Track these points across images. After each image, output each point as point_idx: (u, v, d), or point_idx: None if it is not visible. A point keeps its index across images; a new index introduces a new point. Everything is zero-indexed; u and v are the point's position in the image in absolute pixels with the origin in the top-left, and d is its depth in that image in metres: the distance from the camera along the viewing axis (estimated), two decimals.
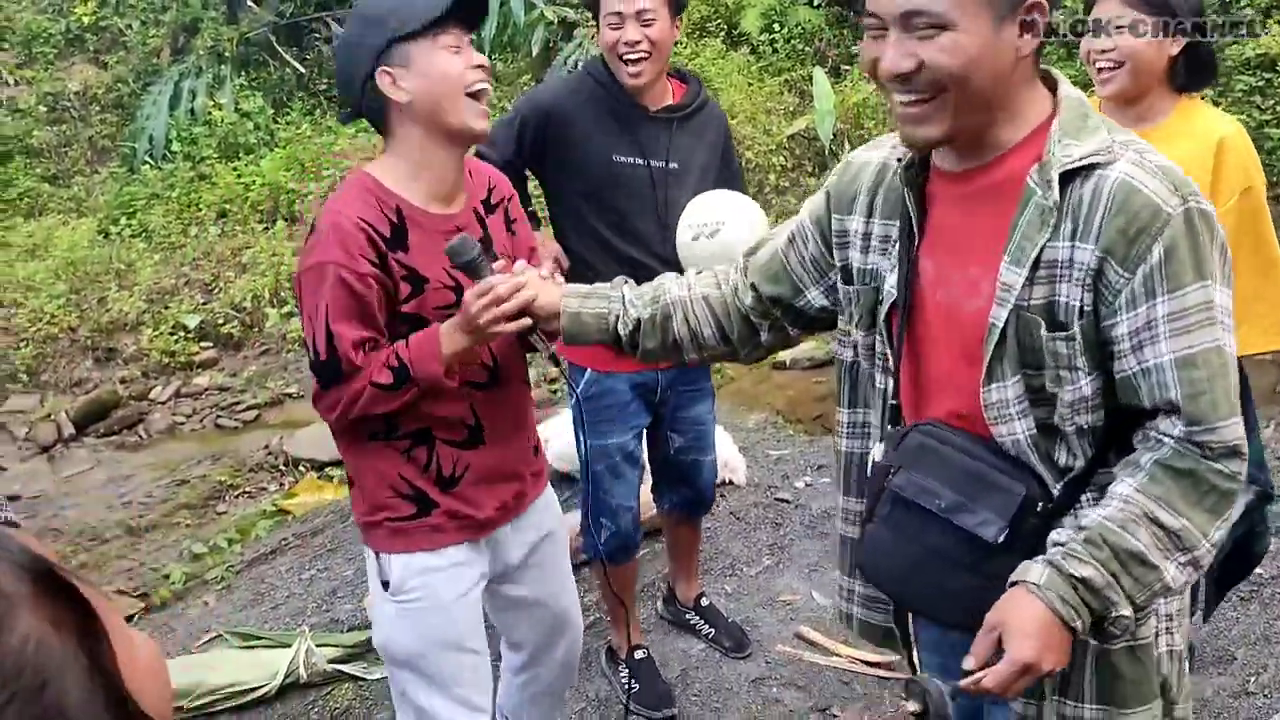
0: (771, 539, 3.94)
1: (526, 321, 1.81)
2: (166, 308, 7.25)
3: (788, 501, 4.19)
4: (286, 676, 3.22)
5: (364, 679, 3.27)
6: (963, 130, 1.37)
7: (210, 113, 9.64)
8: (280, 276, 7.22)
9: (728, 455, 4.31)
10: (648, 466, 3.07)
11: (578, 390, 2.30)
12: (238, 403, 6.47)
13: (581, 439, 2.66)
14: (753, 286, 1.73)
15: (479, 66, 1.88)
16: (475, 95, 1.87)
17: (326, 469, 5.46)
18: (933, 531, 1.42)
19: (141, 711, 0.58)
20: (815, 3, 8.86)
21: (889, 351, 1.53)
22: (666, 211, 2.67)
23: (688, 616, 3.39)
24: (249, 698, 3.18)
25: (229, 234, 8.15)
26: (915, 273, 1.47)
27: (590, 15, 2.80)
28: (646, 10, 2.55)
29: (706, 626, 3.35)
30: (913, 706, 1.37)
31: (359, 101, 1.89)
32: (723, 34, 8.88)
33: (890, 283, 1.50)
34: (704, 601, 3.41)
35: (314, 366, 1.86)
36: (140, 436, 6.24)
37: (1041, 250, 1.34)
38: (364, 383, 1.82)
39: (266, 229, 8.00)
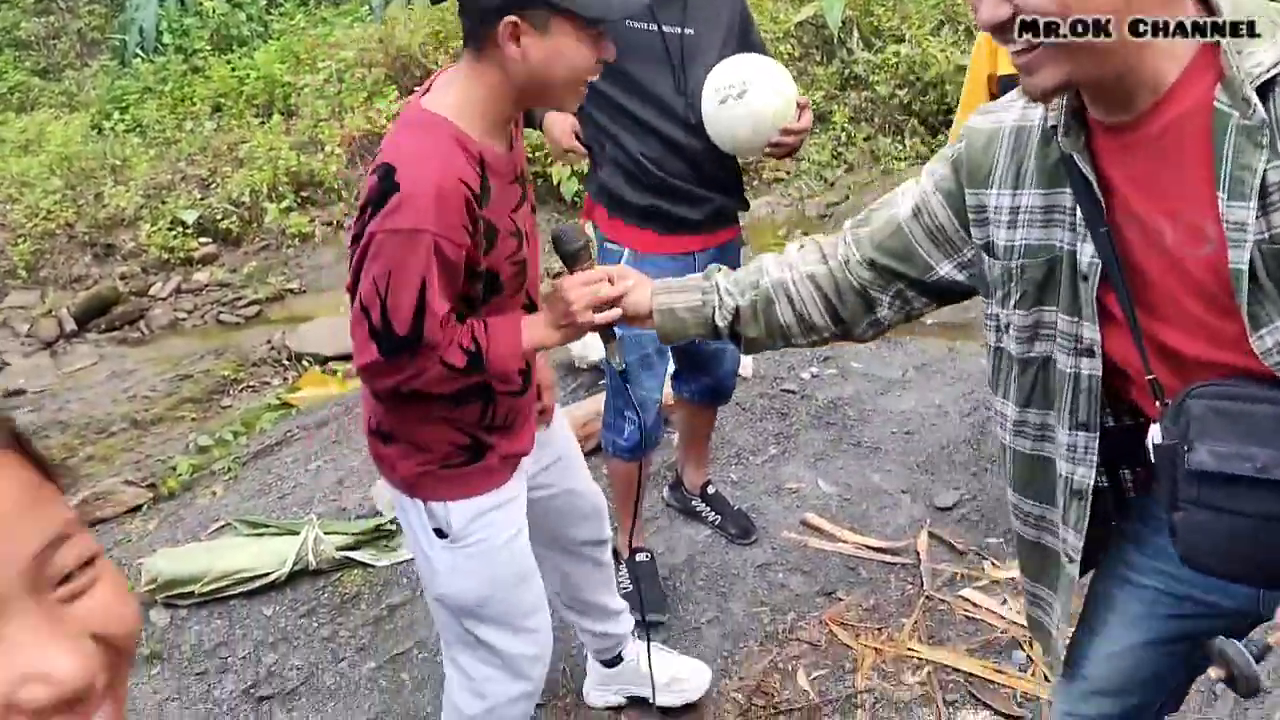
0: (778, 429, 3.93)
1: (618, 313, 1.74)
2: (164, 203, 7.15)
3: (794, 392, 4.17)
4: (295, 563, 3.24)
5: (372, 565, 3.29)
6: (1087, 76, 1.22)
7: (202, 3, 9.40)
8: (277, 171, 7.11)
9: None
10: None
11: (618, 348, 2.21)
12: (239, 298, 6.43)
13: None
14: (869, 261, 1.57)
15: (603, 60, 1.71)
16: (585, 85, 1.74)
17: (330, 363, 5.44)
18: (1255, 497, 1.27)
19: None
20: None
21: (1088, 330, 1.37)
22: (685, 79, 2.57)
23: (694, 503, 3.40)
24: (259, 583, 3.20)
25: (224, 128, 8.00)
26: (1119, 237, 1.31)
27: None
28: None
29: (713, 513, 3.36)
30: (1216, 673, 1.29)
31: (472, 9, 1.65)
32: None
33: (1088, 254, 1.33)
34: (710, 489, 3.41)
35: (379, 336, 1.66)
36: (142, 332, 6.22)
37: (1264, 175, 1.18)
38: (435, 361, 1.69)
39: (263, 123, 7.85)
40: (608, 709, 2.66)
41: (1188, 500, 1.31)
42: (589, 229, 2.75)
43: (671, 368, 3.09)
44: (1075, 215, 1.34)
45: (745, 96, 2.40)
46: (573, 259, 1.79)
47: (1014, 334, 1.44)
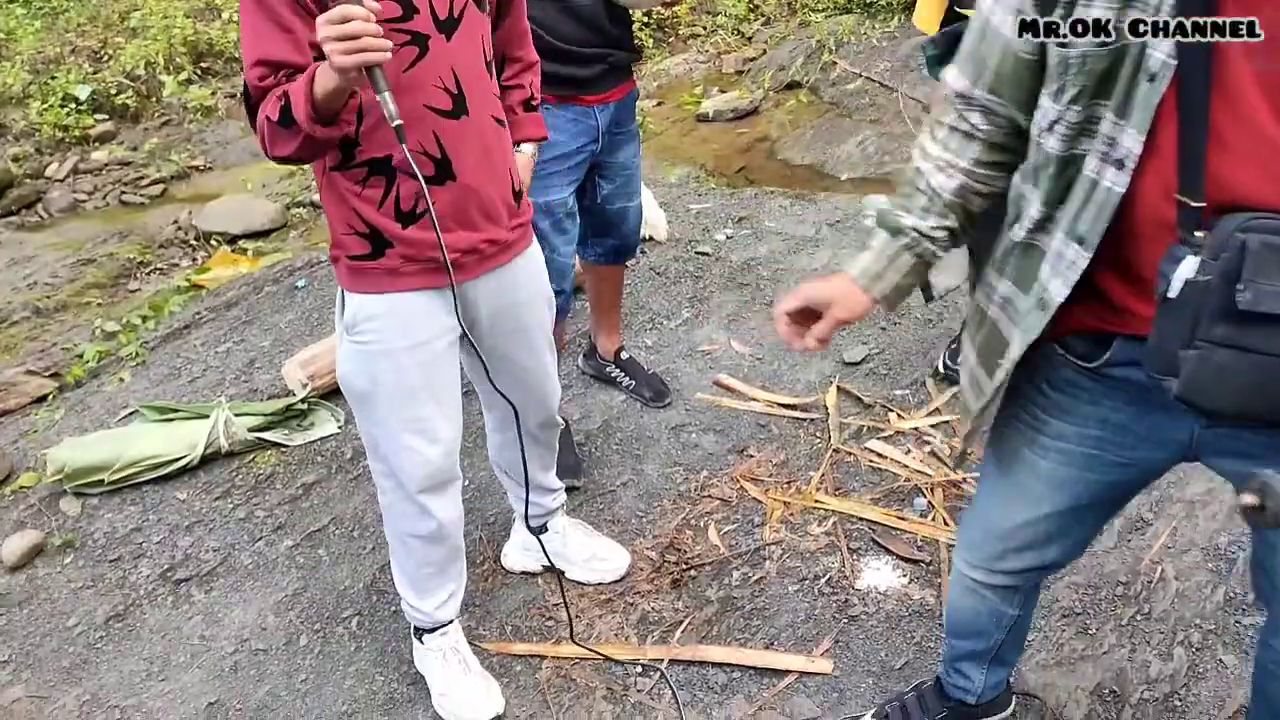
0: (691, 292, 3.93)
1: (373, 54, 1.56)
2: (53, 79, 6.80)
3: (708, 254, 4.16)
4: (207, 447, 3.22)
5: (286, 445, 3.28)
6: None
7: None
8: (173, 41, 6.79)
9: (649, 212, 4.23)
10: None
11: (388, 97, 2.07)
12: (141, 177, 6.20)
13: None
14: (1012, 102, 1.40)
15: None
16: None
17: (239, 241, 5.31)
18: None
19: None
20: None
21: (1129, 139, 1.23)
22: None
23: (608, 370, 3.42)
24: (171, 468, 3.17)
25: None
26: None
27: None
28: None
29: (627, 378, 3.38)
30: (1249, 499, 1.26)
31: None
32: None
33: (1163, 51, 1.18)
34: (624, 355, 3.42)
35: (244, 92, 1.77)
36: (40, 216, 5.99)
37: None
38: (263, 115, 1.70)
39: None
40: (524, 573, 2.71)
41: (1210, 339, 1.22)
42: None
43: None
44: (1167, 3, 1.17)
45: None
46: None
47: (1060, 131, 1.30)
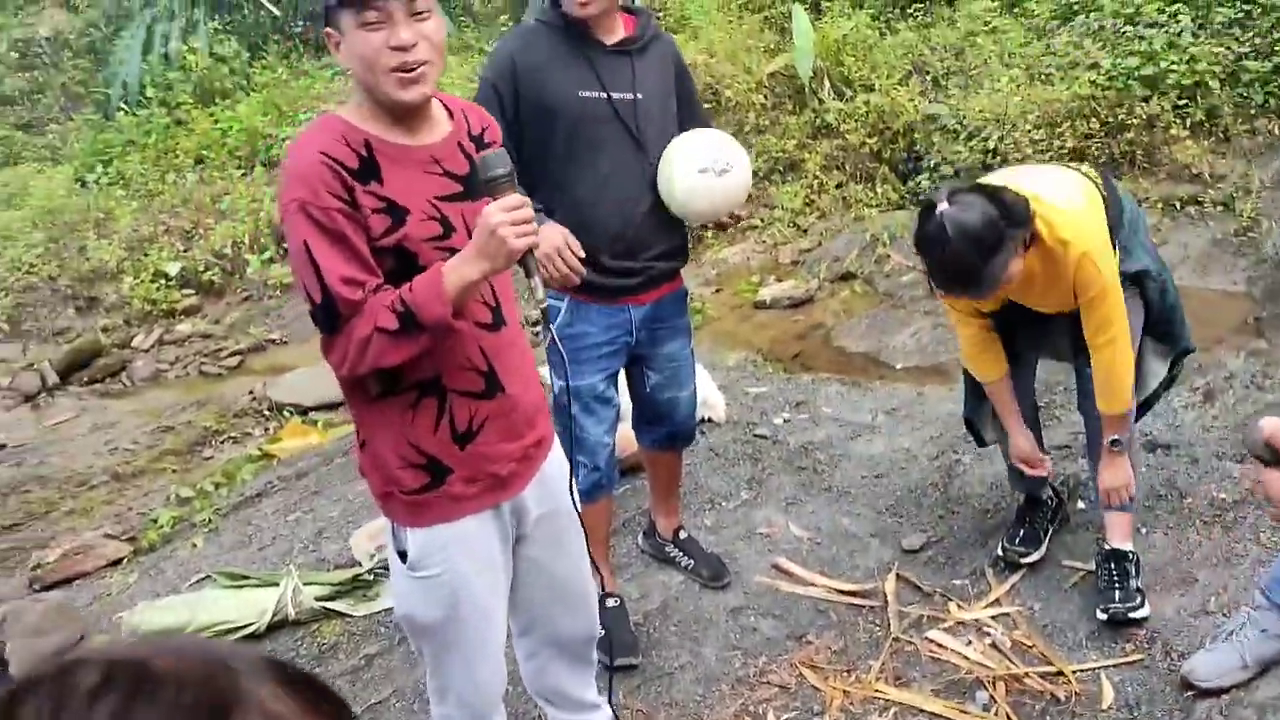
0: (750, 474, 4.01)
1: (535, 238, 1.75)
2: (146, 255, 7.24)
3: (766, 437, 4.25)
4: (274, 614, 3.29)
5: (351, 615, 3.34)
6: None
7: (185, 57, 9.55)
8: (259, 222, 7.22)
9: (707, 393, 4.36)
10: (629, 404, 3.12)
11: (553, 326, 2.27)
12: (221, 349, 6.50)
13: (557, 378, 2.69)
14: None
15: (398, 48, 1.73)
16: (399, 70, 1.75)
17: (310, 413, 5.50)
18: None
19: None
20: None
21: None
22: (642, 142, 2.68)
23: (667, 549, 3.47)
24: (238, 635, 3.24)
25: (207, 180, 8.12)
26: None
27: None
28: None
29: (685, 558, 3.42)
30: None
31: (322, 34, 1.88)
32: None
33: None
34: (683, 534, 3.48)
35: (313, 314, 1.74)
36: (124, 384, 6.27)
37: None
38: (369, 328, 1.71)
39: (245, 174, 7.97)
40: None
41: None
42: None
43: (631, 416, 3.17)
44: None
45: (726, 176, 2.54)
46: (494, 187, 1.77)
47: None
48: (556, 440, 2.17)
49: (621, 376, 3.01)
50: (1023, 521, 3.28)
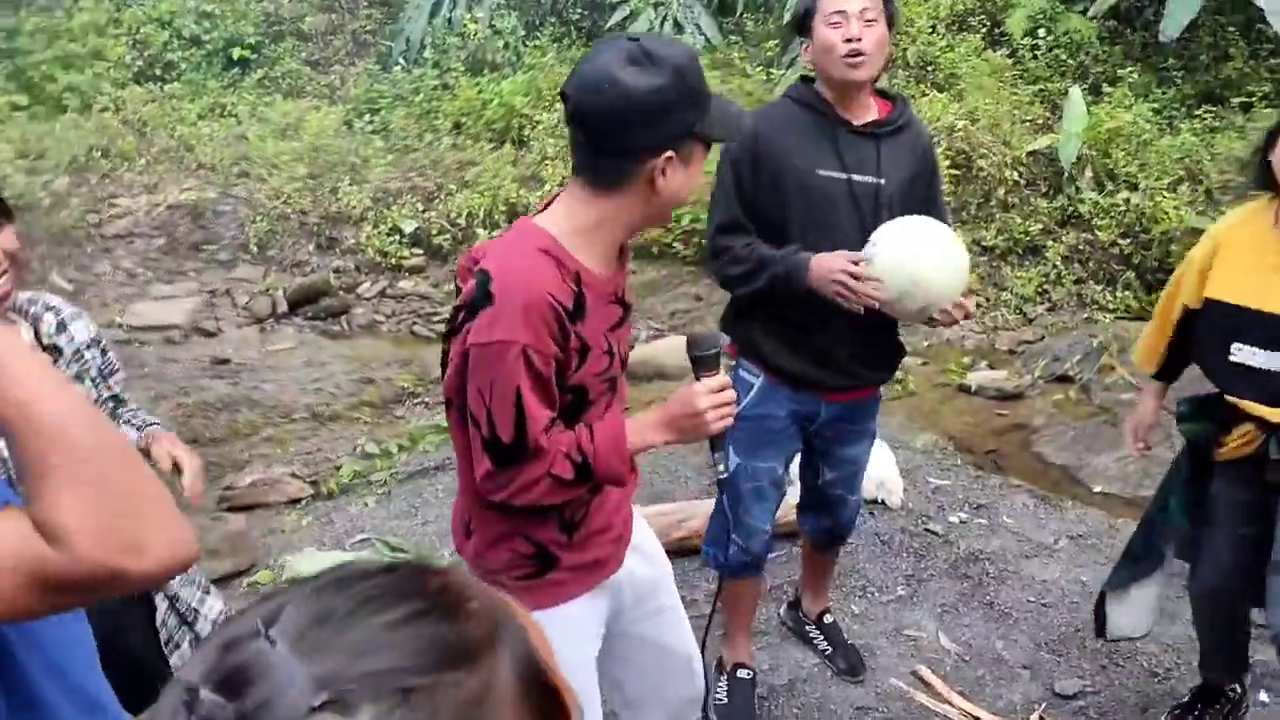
0: (911, 569, 3.87)
1: (731, 420, 1.80)
2: (389, 208, 7.64)
3: (936, 534, 4.10)
4: None
5: None
6: None
7: (466, 25, 9.99)
8: (497, 199, 7.48)
9: (886, 475, 4.24)
10: (796, 481, 3.07)
11: (741, 404, 2.22)
12: (435, 313, 6.79)
13: (729, 451, 2.66)
14: None
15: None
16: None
17: None
18: None
19: None
20: (1090, 13, 8.37)
21: None
22: (875, 230, 2.58)
23: (808, 629, 3.39)
24: None
25: (460, 147, 8.48)
26: None
27: (799, 36, 2.70)
28: (869, 9, 2.49)
29: (825, 643, 3.35)
30: None
31: (623, 151, 1.68)
32: (984, 30, 8.53)
33: None
34: (827, 618, 3.40)
35: (491, 447, 1.71)
36: (342, 327, 6.66)
37: None
38: (543, 471, 1.71)
39: (495, 148, 8.27)
40: None
41: None
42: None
43: (796, 496, 3.12)
44: None
45: (939, 270, 2.42)
46: (704, 364, 1.80)
47: None
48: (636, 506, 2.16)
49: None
50: (1194, 708, 3.03)
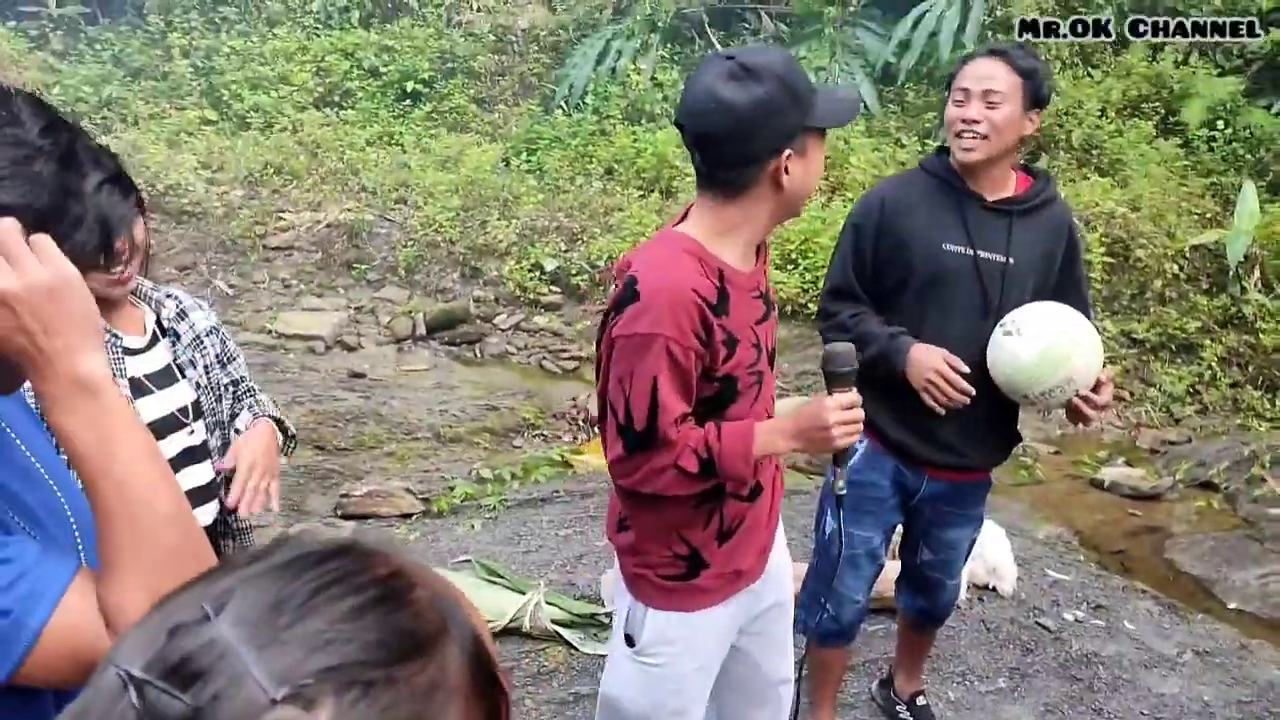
0: (1016, 662, 3.69)
1: (857, 438, 1.84)
2: (533, 245, 7.83)
3: (1048, 629, 3.90)
4: (511, 620, 3.43)
5: (577, 649, 3.42)
6: None
7: (629, 75, 10.22)
8: (638, 244, 7.58)
9: (999, 560, 4.07)
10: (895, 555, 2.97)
11: (846, 466, 2.17)
12: (564, 350, 6.91)
13: (831, 519, 2.61)
14: None
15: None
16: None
17: None
18: None
19: None
20: (1275, 110, 8.02)
21: None
22: (1000, 310, 2.48)
23: (898, 708, 3.26)
24: None
25: (609, 192, 8.64)
26: None
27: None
28: (995, 92, 2.42)
29: None
30: None
31: (742, 161, 1.74)
32: (1157, 118, 8.25)
33: None
34: (920, 700, 3.26)
35: (624, 432, 1.78)
36: (475, 354, 6.83)
37: None
38: (670, 462, 1.78)
39: (643, 196, 8.40)
40: None
41: None
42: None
43: (897, 571, 3.01)
44: None
45: (1056, 350, 2.33)
46: (837, 380, 1.83)
47: None
48: (782, 531, 2.18)
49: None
50: None
